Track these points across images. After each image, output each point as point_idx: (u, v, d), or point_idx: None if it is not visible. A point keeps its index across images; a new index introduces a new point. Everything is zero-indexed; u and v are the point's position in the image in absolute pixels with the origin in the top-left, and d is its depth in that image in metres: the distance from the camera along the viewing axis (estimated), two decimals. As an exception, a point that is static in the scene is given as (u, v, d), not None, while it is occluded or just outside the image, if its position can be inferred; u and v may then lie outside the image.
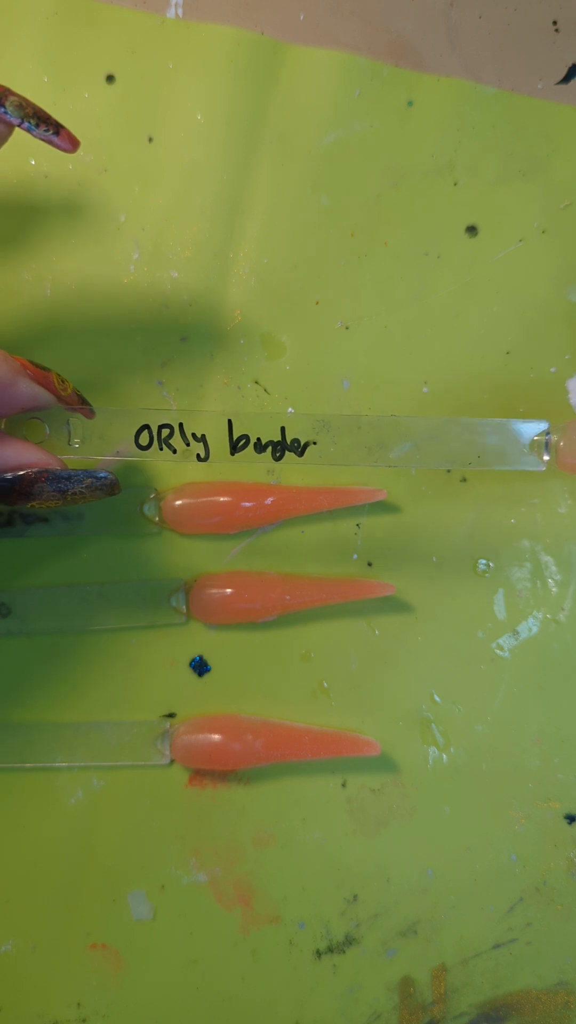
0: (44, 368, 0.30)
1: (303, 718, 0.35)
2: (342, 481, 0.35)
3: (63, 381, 0.30)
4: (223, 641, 0.35)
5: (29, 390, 0.28)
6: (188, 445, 0.31)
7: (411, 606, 0.35)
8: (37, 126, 0.29)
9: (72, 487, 0.29)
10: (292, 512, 0.34)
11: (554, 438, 0.31)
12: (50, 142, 0.29)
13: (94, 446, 0.31)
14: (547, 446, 0.31)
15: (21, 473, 0.29)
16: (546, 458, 0.31)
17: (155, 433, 0.31)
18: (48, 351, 0.35)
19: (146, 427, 0.31)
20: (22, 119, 0.28)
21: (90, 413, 0.30)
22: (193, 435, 0.31)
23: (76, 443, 0.30)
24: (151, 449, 0.31)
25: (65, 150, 0.29)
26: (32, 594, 0.34)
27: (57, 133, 0.29)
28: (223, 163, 0.35)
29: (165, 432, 0.31)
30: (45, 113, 0.29)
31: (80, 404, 0.30)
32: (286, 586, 0.34)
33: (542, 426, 0.31)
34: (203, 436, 0.31)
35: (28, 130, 0.29)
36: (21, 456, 0.29)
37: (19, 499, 0.29)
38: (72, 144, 0.29)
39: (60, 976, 0.34)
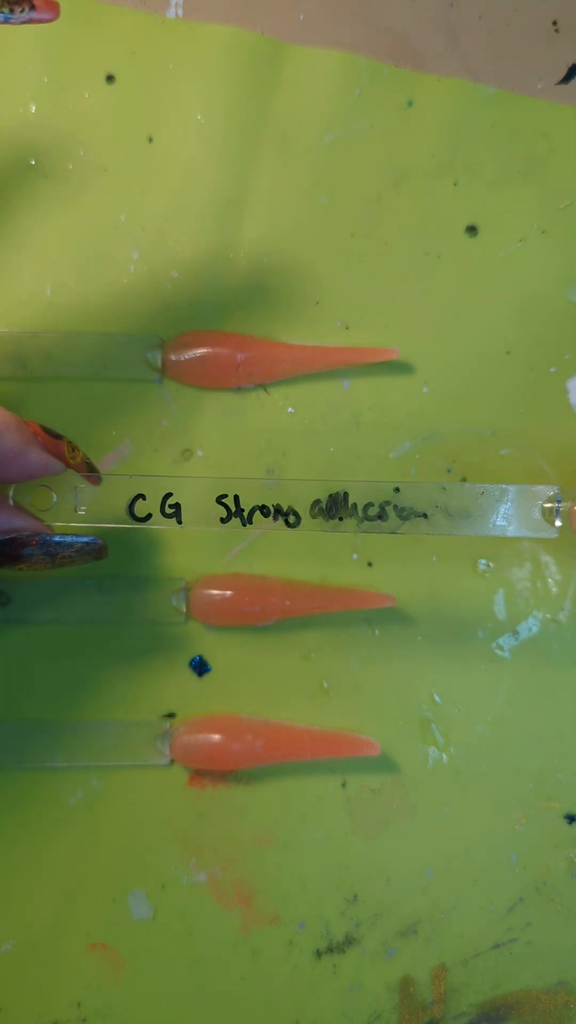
0: (56, 435, 0.30)
1: (303, 718, 0.35)
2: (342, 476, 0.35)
3: (74, 449, 0.30)
4: (223, 641, 0.35)
5: (40, 459, 0.29)
6: (169, 517, 0.30)
7: (411, 606, 0.35)
8: (12, 12, 0.26)
9: (62, 551, 0.30)
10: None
11: (565, 504, 0.30)
12: (32, 21, 0.27)
13: (98, 513, 0.30)
14: (558, 512, 0.30)
15: (12, 537, 0.29)
16: (558, 524, 0.30)
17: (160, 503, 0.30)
18: (47, 352, 0.35)
19: (140, 496, 0.30)
20: None
21: (97, 480, 0.30)
22: (171, 505, 0.30)
23: (82, 510, 0.30)
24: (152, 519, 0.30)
25: (50, 19, 0.27)
26: (32, 585, 0.34)
27: (34, 8, 0.27)
28: (223, 163, 0.35)
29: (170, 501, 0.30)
30: None
31: (88, 471, 0.30)
32: (287, 591, 0.34)
33: (550, 491, 0.30)
34: (177, 505, 0.30)
35: (6, 21, 0.26)
36: (11, 521, 0.29)
37: (8, 562, 0.29)
38: (52, 9, 0.27)
39: (60, 976, 0.34)
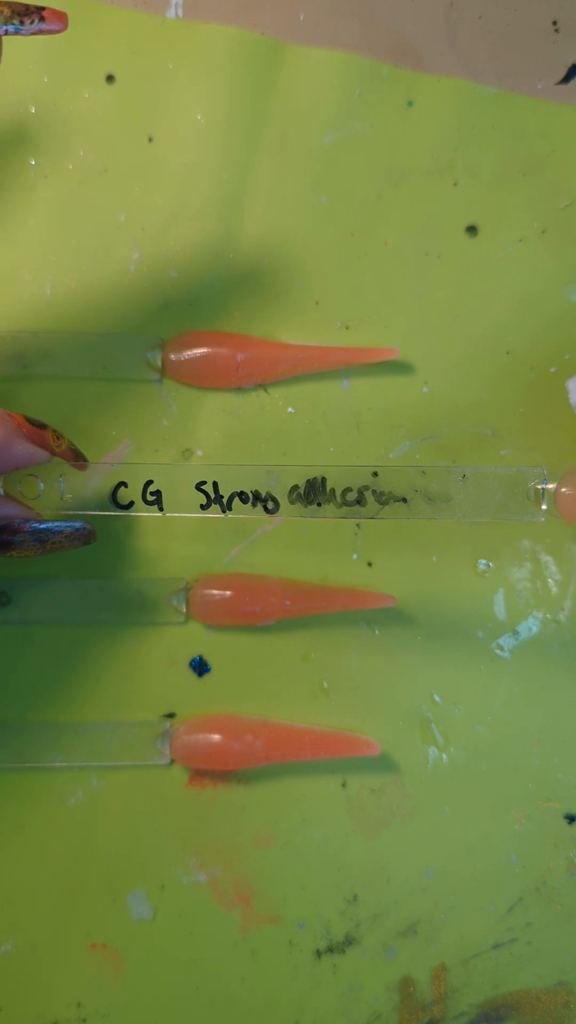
0: (40, 425, 0.30)
1: (303, 718, 0.35)
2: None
3: (58, 437, 0.31)
4: (223, 641, 0.35)
5: (25, 450, 0.29)
6: (151, 504, 0.30)
7: (411, 606, 0.35)
8: (22, 23, 0.26)
9: (52, 537, 0.30)
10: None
11: (552, 486, 0.29)
12: (42, 31, 0.27)
13: (84, 500, 0.31)
14: (544, 494, 0.29)
15: (2, 524, 0.29)
16: (544, 507, 0.30)
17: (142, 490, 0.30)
18: (47, 351, 0.35)
19: (122, 483, 0.30)
20: (4, 25, 0.26)
21: (83, 467, 0.31)
22: (153, 492, 0.30)
23: (68, 497, 0.31)
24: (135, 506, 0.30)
25: (59, 30, 0.27)
26: (32, 584, 0.34)
27: (43, 19, 0.27)
28: (223, 163, 0.35)
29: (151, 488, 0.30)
30: (20, 4, 0.27)
31: (74, 459, 0.31)
32: (286, 591, 0.34)
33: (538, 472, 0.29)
34: (158, 491, 0.30)
35: (17, 32, 0.26)
36: (1, 509, 0.29)
37: (0, 549, 0.30)
38: (61, 20, 0.27)
39: (60, 976, 0.34)
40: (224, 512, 0.30)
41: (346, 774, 0.35)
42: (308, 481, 0.30)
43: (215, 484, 0.30)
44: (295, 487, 0.30)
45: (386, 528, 0.35)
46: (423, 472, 0.30)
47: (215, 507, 0.30)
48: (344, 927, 0.35)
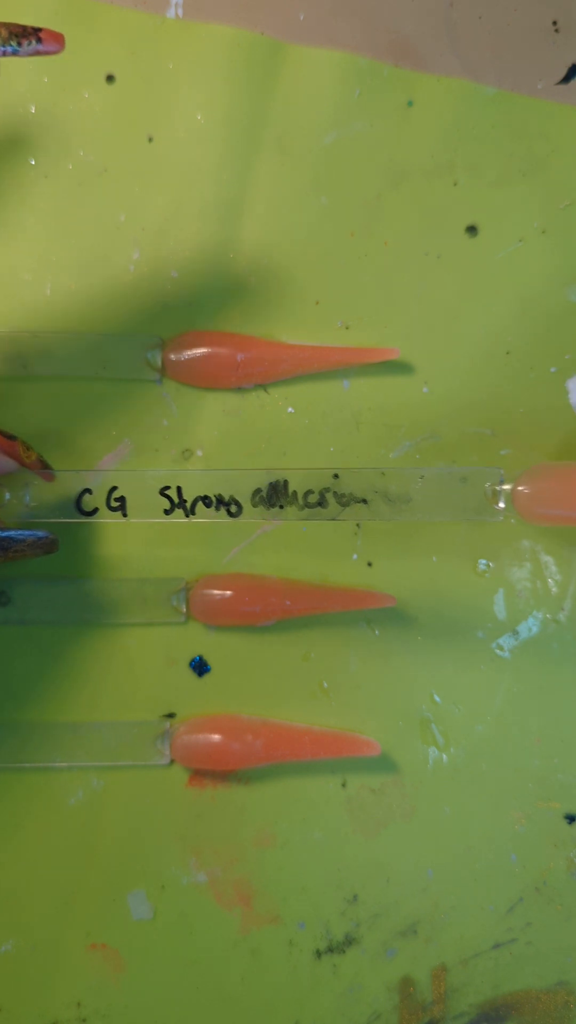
0: (10, 436, 0.31)
1: (303, 718, 0.35)
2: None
3: (27, 448, 0.31)
4: (223, 641, 0.35)
5: None
6: (115, 511, 0.31)
7: (411, 607, 0.35)
8: (19, 45, 0.27)
9: (14, 545, 0.30)
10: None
11: (508, 486, 0.30)
12: (39, 53, 0.27)
13: (49, 509, 0.31)
14: (501, 494, 0.31)
15: None
16: (501, 506, 0.31)
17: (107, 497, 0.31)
18: (47, 351, 0.35)
19: (87, 491, 0.31)
20: (1, 46, 0.27)
21: (50, 476, 0.31)
22: (118, 499, 0.31)
23: (33, 505, 0.31)
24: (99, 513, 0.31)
25: (55, 51, 0.28)
26: (32, 584, 0.34)
27: (40, 40, 0.27)
28: (223, 163, 0.35)
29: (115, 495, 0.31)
30: (18, 26, 0.27)
31: (42, 469, 0.31)
32: (287, 591, 0.34)
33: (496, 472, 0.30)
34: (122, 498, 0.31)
35: (14, 54, 0.27)
36: None
37: None
38: (58, 41, 0.28)
39: (60, 976, 0.34)
40: (187, 516, 0.30)
41: (346, 774, 0.35)
42: (270, 484, 0.30)
43: (179, 489, 0.30)
44: (257, 490, 0.30)
45: (386, 528, 0.35)
46: (383, 473, 0.31)
47: (178, 512, 0.30)
48: (344, 927, 0.35)
